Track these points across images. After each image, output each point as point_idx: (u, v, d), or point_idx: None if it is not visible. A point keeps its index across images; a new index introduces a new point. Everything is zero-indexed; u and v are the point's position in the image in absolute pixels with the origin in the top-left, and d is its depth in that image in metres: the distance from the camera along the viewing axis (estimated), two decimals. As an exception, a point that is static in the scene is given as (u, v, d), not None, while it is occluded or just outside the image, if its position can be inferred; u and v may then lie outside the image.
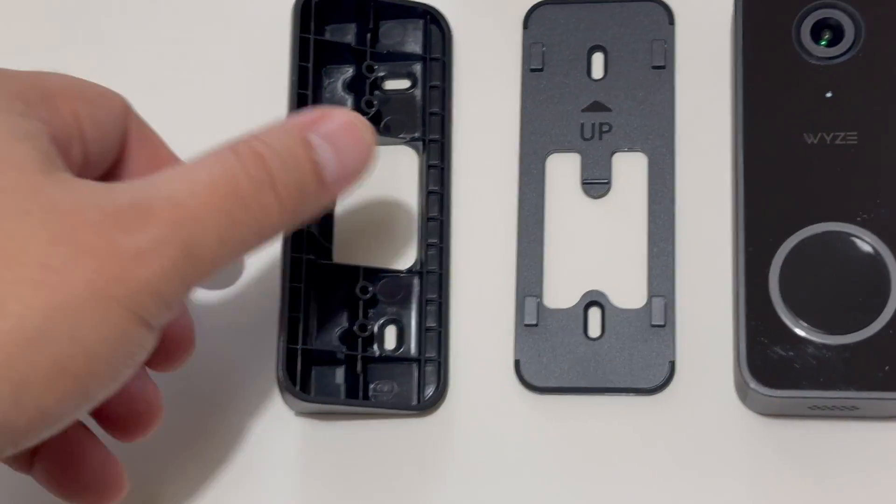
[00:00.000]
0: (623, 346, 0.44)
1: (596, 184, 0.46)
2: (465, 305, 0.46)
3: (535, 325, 0.45)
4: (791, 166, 0.43)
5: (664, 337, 0.44)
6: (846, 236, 0.42)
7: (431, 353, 0.45)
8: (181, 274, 0.34)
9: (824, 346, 0.41)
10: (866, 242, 0.42)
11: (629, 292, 0.45)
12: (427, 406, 0.44)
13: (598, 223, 0.46)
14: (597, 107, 0.47)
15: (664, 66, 0.47)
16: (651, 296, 0.45)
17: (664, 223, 0.45)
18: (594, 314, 0.45)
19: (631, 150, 0.46)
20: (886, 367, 0.40)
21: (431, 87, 0.47)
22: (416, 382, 0.45)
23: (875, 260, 0.41)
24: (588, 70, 0.47)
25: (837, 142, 0.43)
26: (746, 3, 0.45)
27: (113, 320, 0.33)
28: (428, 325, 0.45)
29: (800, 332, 0.41)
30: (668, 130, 0.46)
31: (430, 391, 0.45)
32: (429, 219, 0.46)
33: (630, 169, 0.46)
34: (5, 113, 0.34)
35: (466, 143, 0.48)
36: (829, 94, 0.43)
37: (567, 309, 0.45)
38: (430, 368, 0.45)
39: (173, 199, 0.34)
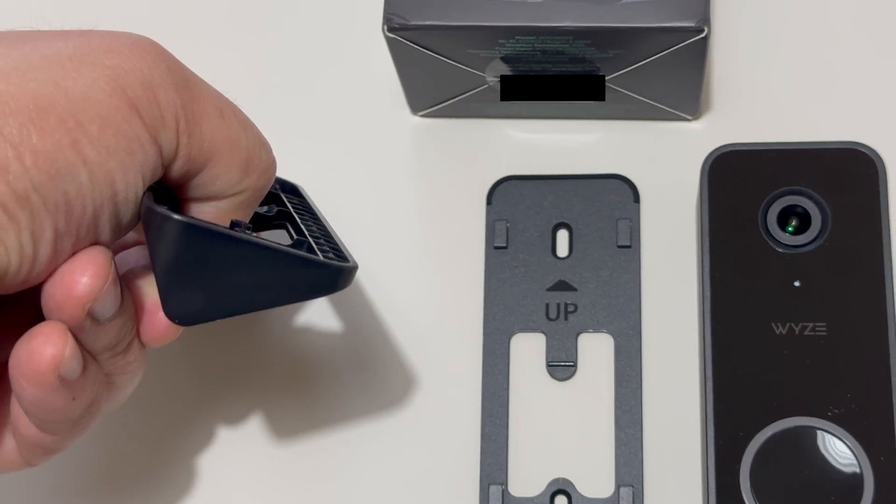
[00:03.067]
0: (591, 539, 0.43)
1: (561, 366, 0.45)
2: (426, 492, 0.45)
3: (501, 514, 0.44)
4: (760, 357, 0.42)
5: (633, 529, 0.43)
6: (817, 432, 0.41)
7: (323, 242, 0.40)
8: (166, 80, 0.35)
9: (797, 547, 0.40)
10: (838, 439, 0.41)
11: (596, 480, 0.44)
12: (348, 267, 0.38)
13: (564, 407, 0.45)
14: (562, 286, 0.46)
15: (630, 246, 0.46)
16: (619, 485, 0.44)
17: (631, 408, 0.45)
18: (561, 503, 0.44)
19: (597, 331, 0.46)
20: (861, 571, 0.40)
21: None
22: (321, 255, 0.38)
23: (847, 457, 0.41)
24: (553, 248, 0.47)
25: (806, 332, 0.42)
26: (712, 187, 0.44)
27: (98, 83, 0.34)
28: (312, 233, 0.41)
29: (772, 531, 0.40)
30: (634, 311, 0.46)
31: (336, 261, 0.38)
32: None
33: (596, 350, 0.45)
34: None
35: (430, 321, 0.47)
36: (797, 283, 0.43)
37: (533, 498, 0.44)
38: (327, 248, 0.39)
39: None
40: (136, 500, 0.45)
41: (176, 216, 0.34)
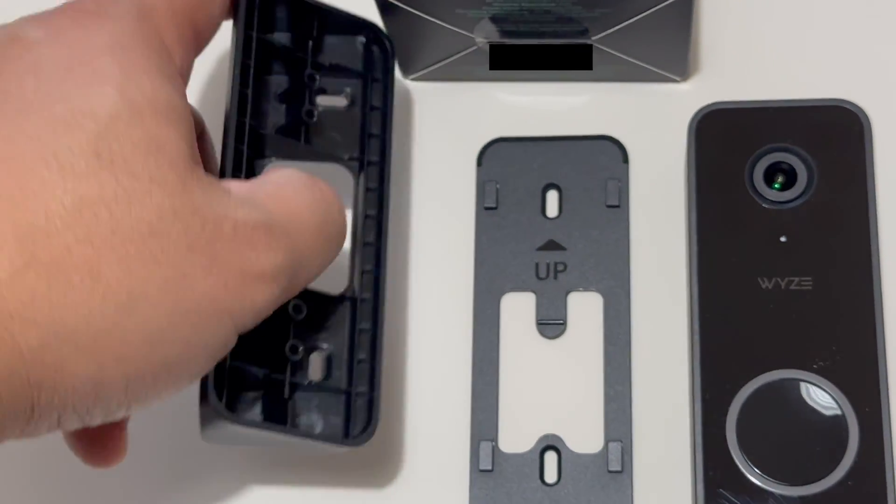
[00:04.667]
0: (580, 493, 0.44)
1: (551, 324, 0.46)
2: (420, 465, 0.45)
3: (491, 470, 0.44)
4: (746, 312, 0.43)
5: (621, 483, 0.43)
6: (803, 384, 0.42)
7: (362, 387, 0.42)
8: (282, 298, 0.36)
9: (783, 497, 0.40)
10: (823, 391, 0.41)
11: (586, 436, 0.44)
12: (358, 442, 0.41)
13: (554, 364, 0.45)
14: (552, 246, 0.47)
15: (618, 205, 0.47)
16: (608, 440, 0.44)
17: (620, 365, 0.45)
18: (550, 459, 0.44)
19: (586, 289, 0.46)
20: (846, 520, 0.40)
21: (372, 107, 0.45)
22: (343, 417, 0.42)
23: (832, 409, 0.41)
24: (543, 208, 0.47)
25: (792, 287, 0.43)
26: (699, 144, 0.45)
27: (222, 332, 0.35)
28: (359, 356, 0.42)
29: (758, 482, 0.41)
30: (623, 270, 0.46)
31: (358, 427, 0.41)
32: (364, 244, 0.43)
33: (585, 309, 0.46)
34: (152, 74, 0.34)
35: (421, 281, 0.47)
36: (783, 239, 0.43)
37: (523, 454, 0.44)
38: (360, 402, 0.42)
39: (288, 227, 0.36)
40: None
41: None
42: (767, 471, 0.41)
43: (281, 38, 0.44)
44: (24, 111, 0.32)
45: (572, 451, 0.44)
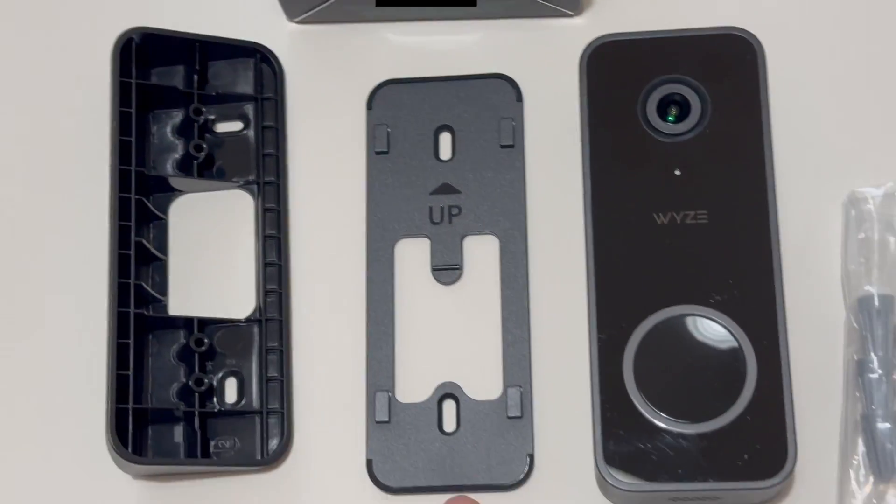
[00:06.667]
0: (479, 441, 0.42)
1: (447, 269, 0.44)
2: (316, 420, 0.44)
3: (388, 421, 0.43)
4: (642, 247, 0.42)
5: (522, 429, 0.42)
6: (700, 319, 0.41)
7: (274, 405, 0.43)
8: None
9: (681, 435, 0.40)
10: (721, 325, 0.40)
11: (484, 383, 0.43)
12: (272, 460, 0.43)
13: (451, 311, 0.44)
14: (445, 189, 0.45)
15: (513, 145, 0.45)
16: (507, 386, 0.43)
17: (518, 309, 0.44)
18: (449, 407, 0.43)
19: (482, 233, 0.45)
20: (745, 456, 0.39)
21: (265, 127, 0.46)
22: (259, 436, 0.43)
23: (730, 343, 0.40)
24: (436, 151, 0.46)
25: (688, 221, 0.42)
26: (590, 79, 0.43)
27: None
28: (269, 374, 0.44)
29: (656, 421, 0.40)
30: (519, 212, 0.45)
31: (274, 444, 0.43)
32: (266, 264, 0.44)
33: (481, 253, 0.45)
34: None
35: (310, 222, 0.46)
36: (677, 172, 0.42)
37: (420, 403, 0.43)
38: (273, 420, 0.43)
39: None
40: None
41: None
42: (666, 409, 0.40)
43: (169, 74, 0.46)
44: None
45: (471, 399, 0.43)
